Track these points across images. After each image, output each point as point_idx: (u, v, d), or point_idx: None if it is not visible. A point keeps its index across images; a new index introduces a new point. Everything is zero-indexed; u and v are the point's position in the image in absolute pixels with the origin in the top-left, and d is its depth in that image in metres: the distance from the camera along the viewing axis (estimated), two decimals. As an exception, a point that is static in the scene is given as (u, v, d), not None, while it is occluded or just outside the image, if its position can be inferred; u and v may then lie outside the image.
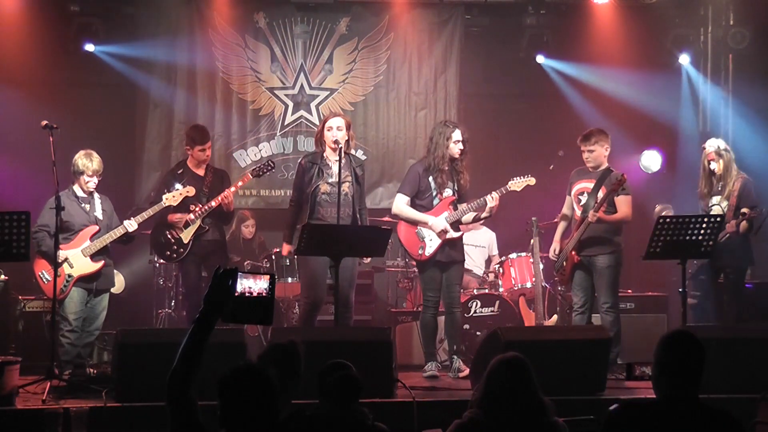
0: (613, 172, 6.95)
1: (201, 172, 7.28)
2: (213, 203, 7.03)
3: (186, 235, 7.08)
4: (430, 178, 6.89)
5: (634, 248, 7.70)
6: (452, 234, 6.83)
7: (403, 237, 7.01)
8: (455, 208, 6.88)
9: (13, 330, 7.63)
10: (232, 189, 7.14)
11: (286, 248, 6.92)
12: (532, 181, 6.95)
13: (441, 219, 6.83)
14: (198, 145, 7.22)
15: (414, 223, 6.92)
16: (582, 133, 7.08)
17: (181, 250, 7.10)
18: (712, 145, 7.16)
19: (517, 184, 6.89)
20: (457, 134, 6.85)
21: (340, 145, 6.65)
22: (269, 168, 7.29)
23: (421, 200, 6.93)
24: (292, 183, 7.26)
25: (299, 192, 6.88)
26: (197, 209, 7.05)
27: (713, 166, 7.08)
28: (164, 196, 7.01)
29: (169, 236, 7.13)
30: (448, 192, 6.89)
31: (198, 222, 7.07)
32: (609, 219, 6.83)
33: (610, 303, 6.83)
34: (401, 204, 6.97)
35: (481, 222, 7.07)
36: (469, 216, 6.94)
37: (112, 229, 6.81)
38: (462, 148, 6.85)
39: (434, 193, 6.89)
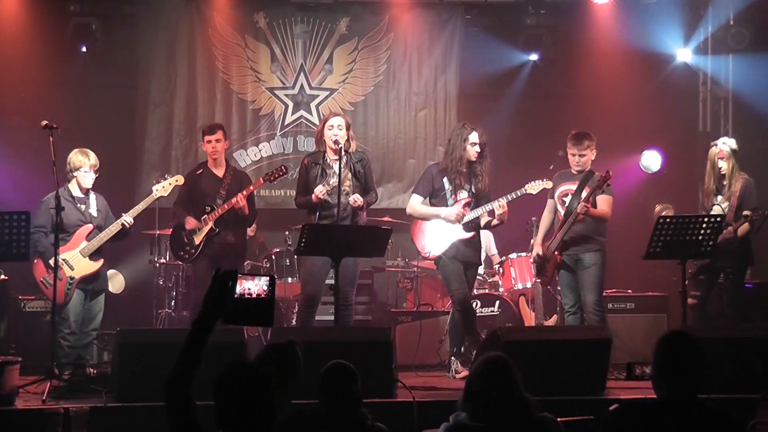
0: (595, 173, 6.95)
1: (220, 173, 7.26)
2: (226, 206, 7.02)
3: (198, 237, 7.10)
4: (445, 179, 6.88)
5: (635, 248, 7.70)
6: (463, 235, 6.83)
7: (415, 236, 7.02)
8: (470, 210, 6.87)
9: (13, 330, 7.63)
10: (244, 193, 7.03)
11: (315, 194, 6.71)
12: (549, 184, 6.96)
13: (453, 208, 6.82)
14: (206, 135, 7.24)
15: (427, 218, 6.92)
16: (571, 135, 7.06)
17: (193, 251, 7.12)
18: (725, 143, 7.15)
19: (533, 187, 6.87)
20: (474, 136, 6.84)
21: (340, 145, 6.66)
22: (282, 173, 7.21)
23: (435, 201, 6.96)
24: (296, 183, 7.23)
25: (305, 191, 6.87)
26: (212, 214, 7.05)
27: (722, 164, 7.08)
28: (154, 188, 7.03)
29: (184, 237, 7.16)
30: (463, 194, 6.88)
31: (210, 224, 7.08)
32: (593, 212, 6.82)
33: (596, 302, 6.82)
34: (415, 203, 6.98)
35: (493, 227, 7.04)
36: (483, 219, 6.93)
37: (107, 228, 6.80)
38: (479, 150, 6.85)
39: (448, 194, 6.88)
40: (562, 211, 6.99)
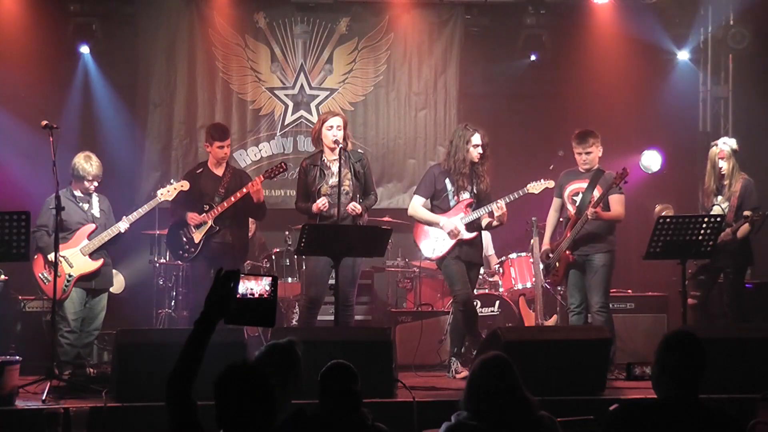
0: (605, 171, 6.93)
1: (220, 172, 7.25)
2: (225, 204, 7.01)
3: (197, 236, 7.09)
4: (447, 180, 6.88)
5: (634, 248, 7.70)
6: (465, 235, 6.83)
7: (418, 237, 7.02)
8: (472, 211, 6.87)
9: (13, 330, 7.62)
10: (258, 180, 6.99)
11: (316, 206, 6.71)
12: (551, 184, 6.95)
13: (453, 219, 6.82)
14: (217, 141, 7.19)
15: (427, 223, 6.92)
16: (575, 134, 7.05)
17: (192, 249, 7.10)
18: (726, 143, 7.15)
19: (535, 187, 6.87)
20: (476, 138, 6.84)
21: (340, 145, 6.65)
22: (282, 169, 7.16)
23: (437, 201, 6.95)
24: (296, 185, 7.19)
25: (305, 194, 6.86)
26: (211, 212, 7.03)
27: (722, 164, 7.07)
28: (159, 192, 7.02)
29: (182, 236, 7.14)
30: (465, 195, 6.88)
31: (210, 222, 7.07)
32: (605, 216, 6.81)
33: (601, 303, 6.79)
34: (417, 205, 6.98)
35: (493, 228, 7.04)
36: (485, 220, 6.93)
37: (110, 228, 6.82)
38: (481, 152, 6.85)
39: (451, 195, 6.88)
40: (572, 210, 6.96)
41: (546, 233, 7.20)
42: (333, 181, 6.73)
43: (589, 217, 6.72)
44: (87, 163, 6.77)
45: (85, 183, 6.79)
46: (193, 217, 7.07)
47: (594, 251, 6.85)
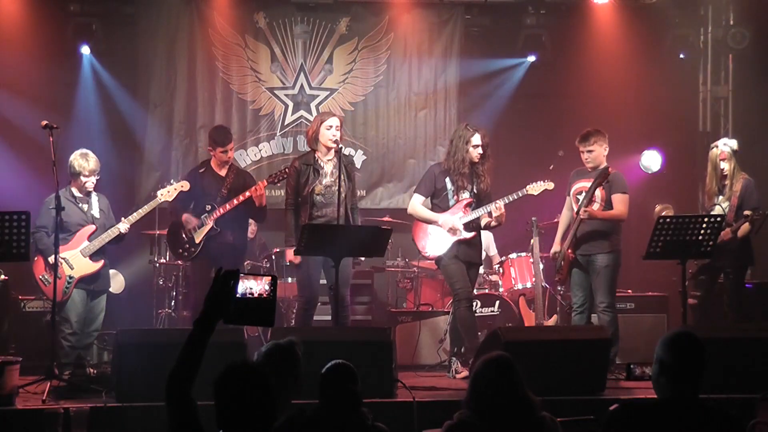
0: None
1: (223, 173, 7.24)
2: (228, 206, 7.00)
3: (198, 235, 7.08)
4: (447, 179, 6.89)
5: (634, 248, 7.70)
6: (463, 234, 6.83)
7: (417, 237, 7.03)
8: (471, 210, 6.88)
9: (13, 330, 7.63)
10: (263, 183, 6.95)
11: (289, 253, 6.73)
12: (550, 185, 6.94)
13: (452, 217, 6.84)
14: (219, 147, 7.19)
15: (426, 221, 6.93)
16: (580, 134, 7.06)
17: (193, 249, 7.10)
18: (726, 144, 7.15)
19: (535, 188, 6.88)
20: (476, 138, 6.84)
21: (340, 145, 6.67)
22: (285, 176, 7.10)
23: (437, 200, 6.96)
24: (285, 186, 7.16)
25: (296, 194, 6.85)
26: (213, 213, 7.02)
27: (723, 165, 7.08)
28: (159, 192, 7.01)
29: (183, 235, 7.13)
30: (465, 195, 6.89)
31: (211, 223, 7.06)
32: (601, 216, 6.80)
33: (607, 303, 6.80)
34: (416, 204, 6.99)
35: (492, 227, 7.05)
36: (484, 220, 6.93)
37: (109, 228, 6.82)
38: (481, 152, 6.85)
39: (450, 194, 6.89)
40: (575, 209, 6.97)
41: (558, 232, 7.20)
42: (326, 181, 6.75)
43: (582, 216, 6.73)
44: (83, 159, 6.76)
45: (82, 179, 6.75)
46: (190, 221, 7.07)
47: (597, 251, 6.84)
